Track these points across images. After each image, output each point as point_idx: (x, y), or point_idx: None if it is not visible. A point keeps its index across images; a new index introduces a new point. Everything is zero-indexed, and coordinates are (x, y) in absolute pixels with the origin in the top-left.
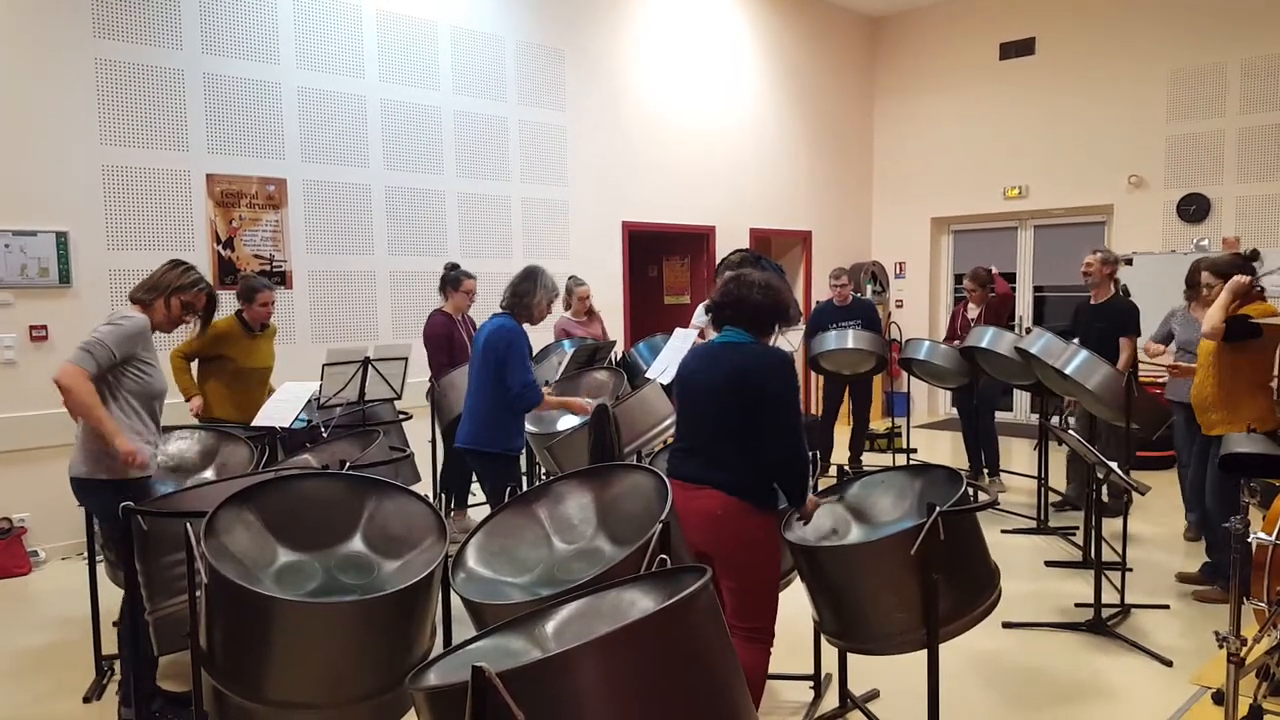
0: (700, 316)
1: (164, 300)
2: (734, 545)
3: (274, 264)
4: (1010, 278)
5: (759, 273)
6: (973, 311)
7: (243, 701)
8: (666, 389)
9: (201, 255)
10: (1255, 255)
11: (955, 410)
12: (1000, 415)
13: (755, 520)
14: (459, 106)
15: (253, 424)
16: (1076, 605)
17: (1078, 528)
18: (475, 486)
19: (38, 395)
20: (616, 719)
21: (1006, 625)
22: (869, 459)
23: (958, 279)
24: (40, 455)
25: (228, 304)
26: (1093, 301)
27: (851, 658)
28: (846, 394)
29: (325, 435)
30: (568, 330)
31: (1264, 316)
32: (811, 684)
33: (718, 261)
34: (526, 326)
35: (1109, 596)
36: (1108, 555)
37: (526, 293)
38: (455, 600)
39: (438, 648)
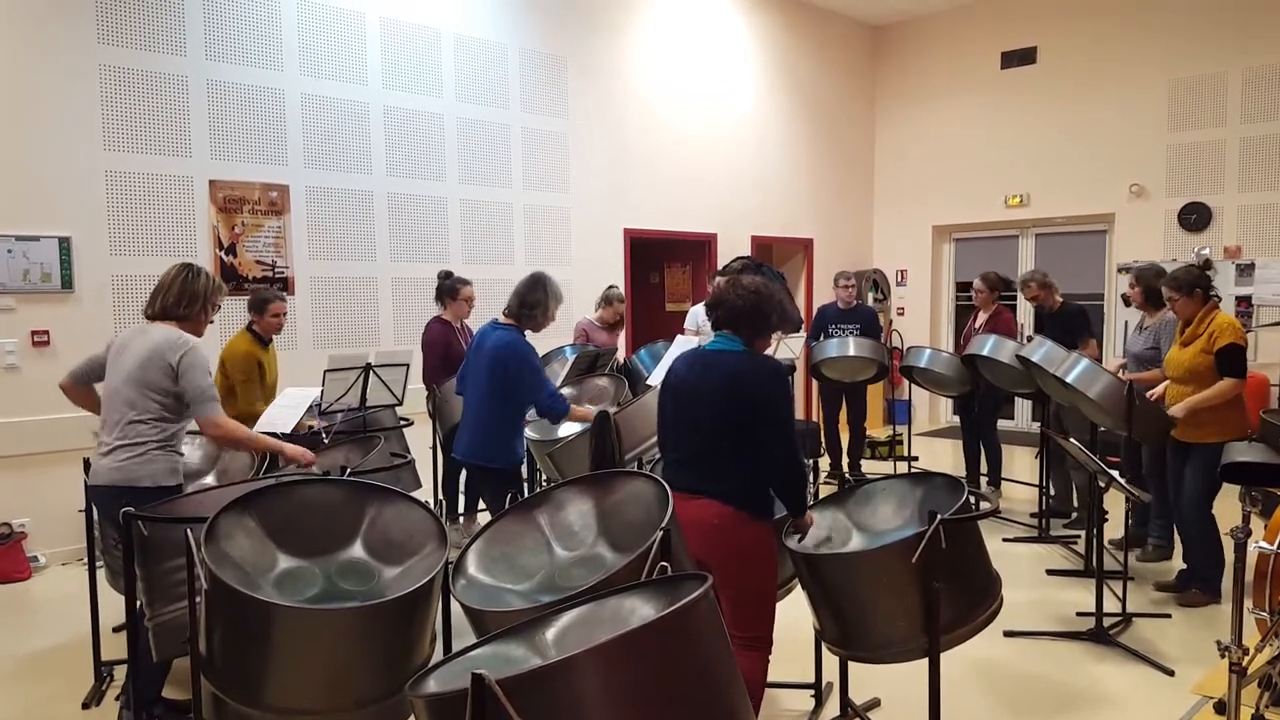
0: (698, 317)
1: (202, 309)
2: (731, 555)
3: (276, 270)
4: (1011, 285)
5: (752, 277)
6: (980, 319)
7: (241, 708)
8: None
9: (204, 261)
10: (1208, 265)
11: (958, 418)
12: (1001, 424)
13: (752, 529)
14: (461, 113)
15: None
16: (1078, 614)
17: (1079, 536)
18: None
19: (39, 400)
20: None
21: (1008, 634)
22: (870, 466)
23: (959, 287)
24: (41, 460)
25: (233, 310)
26: (1049, 311)
27: (852, 666)
28: (844, 401)
29: (326, 441)
30: (589, 333)
31: (1233, 333)
32: (812, 692)
33: (718, 268)
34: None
35: (1110, 605)
36: (1109, 564)
37: (538, 303)
38: (455, 607)
39: (438, 654)
